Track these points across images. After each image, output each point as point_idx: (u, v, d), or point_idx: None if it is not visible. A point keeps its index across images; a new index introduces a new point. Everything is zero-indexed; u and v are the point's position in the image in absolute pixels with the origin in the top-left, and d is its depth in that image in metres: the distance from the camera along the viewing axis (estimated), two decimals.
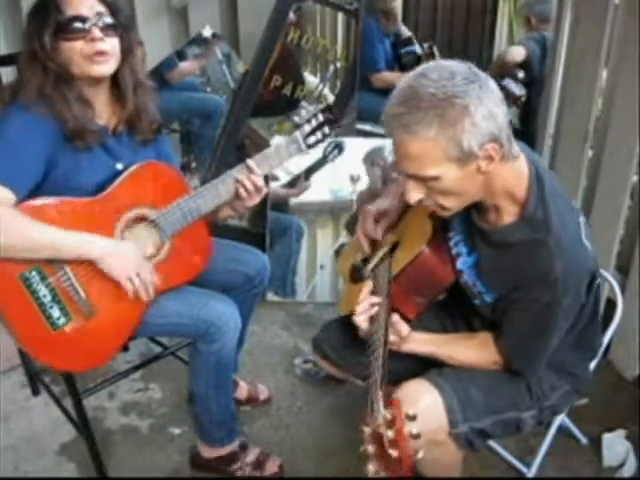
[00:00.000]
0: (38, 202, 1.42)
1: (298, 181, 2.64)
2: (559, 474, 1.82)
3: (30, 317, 1.44)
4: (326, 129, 1.65)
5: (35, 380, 2.09)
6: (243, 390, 2.10)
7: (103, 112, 1.52)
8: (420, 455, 0.96)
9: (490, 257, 1.30)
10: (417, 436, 0.95)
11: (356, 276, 1.57)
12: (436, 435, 1.28)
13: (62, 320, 1.46)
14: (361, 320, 1.30)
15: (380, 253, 1.50)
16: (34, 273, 1.42)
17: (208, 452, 1.82)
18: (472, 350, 1.38)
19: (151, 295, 1.51)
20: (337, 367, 1.64)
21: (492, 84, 1.13)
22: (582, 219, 1.29)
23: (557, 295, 1.21)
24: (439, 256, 1.37)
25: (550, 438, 1.71)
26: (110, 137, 1.54)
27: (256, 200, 1.61)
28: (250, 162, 1.58)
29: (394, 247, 1.49)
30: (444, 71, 1.11)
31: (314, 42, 2.77)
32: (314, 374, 2.25)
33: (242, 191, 1.57)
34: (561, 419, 1.68)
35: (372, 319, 1.29)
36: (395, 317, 1.29)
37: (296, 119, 1.66)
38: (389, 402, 1.00)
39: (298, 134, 1.63)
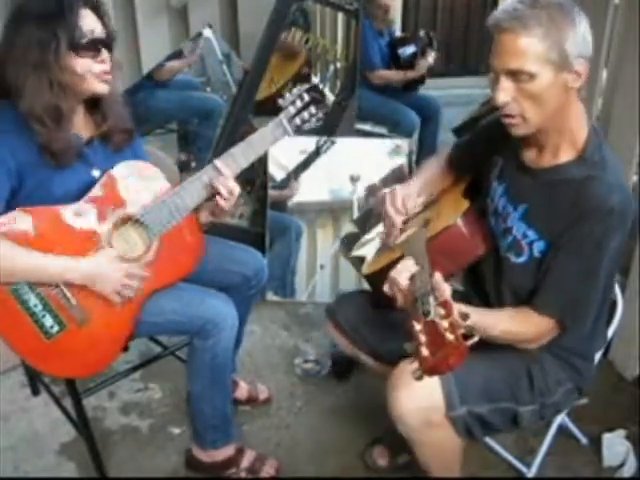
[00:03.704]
0: (20, 211, 1.41)
1: (289, 182, 2.64)
2: (559, 474, 1.82)
3: (24, 328, 1.43)
4: (312, 109, 1.62)
5: (35, 380, 2.09)
6: (243, 390, 2.10)
7: (78, 123, 1.51)
8: (476, 339, 1.02)
9: (543, 200, 1.33)
10: (466, 316, 1.05)
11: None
12: (432, 415, 1.30)
13: (55, 328, 1.45)
14: (403, 277, 1.26)
15: (414, 228, 1.52)
16: (22, 283, 1.42)
17: (202, 455, 1.80)
18: (511, 319, 1.34)
19: (139, 290, 1.51)
20: (348, 339, 1.64)
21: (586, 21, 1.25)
22: None
23: (610, 228, 1.24)
24: (472, 228, 1.42)
25: (550, 438, 1.71)
26: (83, 145, 1.51)
27: (231, 202, 1.57)
28: (218, 163, 1.55)
29: (426, 225, 1.52)
30: None
31: (314, 42, 2.78)
32: (314, 374, 2.25)
33: (216, 195, 1.55)
34: (561, 419, 1.68)
35: (412, 278, 1.26)
36: (437, 275, 1.22)
37: (280, 102, 1.61)
38: (442, 300, 1.05)
39: (282, 117, 1.59)
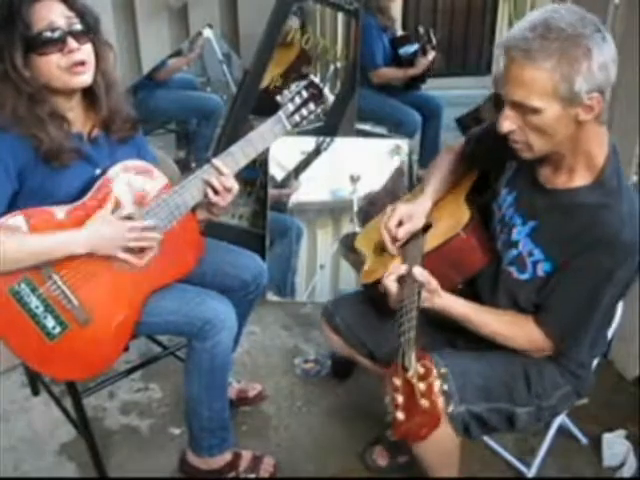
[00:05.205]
0: (18, 213, 1.40)
1: (289, 182, 2.64)
2: (559, 474, 1.82)
3: (25, 330, 1.43)
4: (311, 105, 1.62)
5: (35, 380, 2.09)
6: (234, 389, 2.06)
7: (77, 120, 1.49)
8: (450, 409, 1.00)
9: (554, 221, 1.29)
10: (446, 393, 0.99)
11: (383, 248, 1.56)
12: None
13: (57, 329, 1.45)
14: (391, 280, 1.29)
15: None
16: (23, 285, 1.41)
17: (197, 462, 1.77)
18: (508, 323, 1.35)
19: (157, 237, 1.49)
20: (345, 340, 1.62)
21: (612, 42, 1.17)
22: None
23: (619, 261, 1.22)
24: (474, 241, 1.39)
25: (550, 438, 1.71)
26: (86, 144, 1.50)
27: (228, 199, 1.57)
28: (217, 162, 1.54)
29: (426, 228, 1.50)
30: (576, 13, 1.15)
31: (314, 42, 2.77)
32: (314, 374, 2.25)
33: (211, 193, 1.54)
34: (561, 419, 1.67)
35: (401, 281, 1.28)
36: (418, 270, 1.27)
37: (278, 98, 1.62)
38: (422, 356, 1.03)
39: (281, 113, 1.59)
